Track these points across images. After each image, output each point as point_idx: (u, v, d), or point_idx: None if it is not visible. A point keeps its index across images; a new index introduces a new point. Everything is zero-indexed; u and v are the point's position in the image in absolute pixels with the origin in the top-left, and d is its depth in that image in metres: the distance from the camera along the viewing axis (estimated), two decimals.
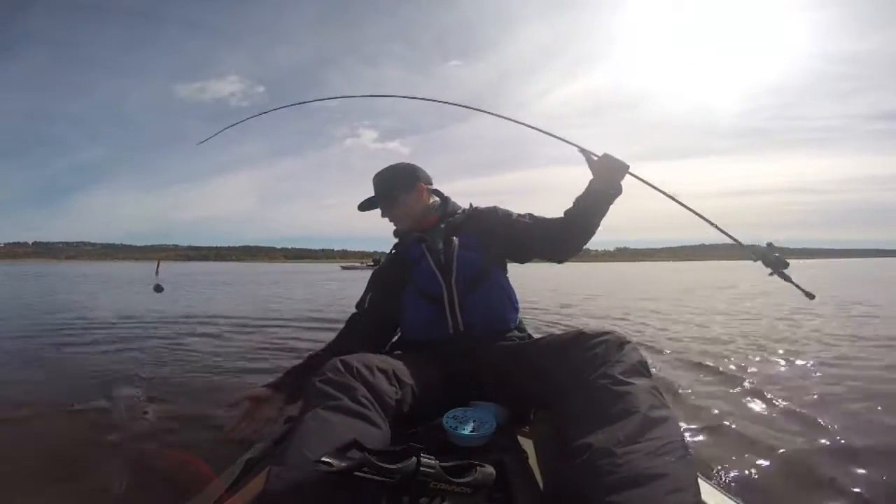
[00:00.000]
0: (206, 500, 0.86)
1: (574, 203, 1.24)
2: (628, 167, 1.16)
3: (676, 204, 1.20)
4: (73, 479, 1.56)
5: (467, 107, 1.79)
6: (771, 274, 1.05)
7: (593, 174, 1.19)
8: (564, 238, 1.28)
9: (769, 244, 1.07)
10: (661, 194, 1.21)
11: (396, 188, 1.39)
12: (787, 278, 1.04)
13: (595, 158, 1.18)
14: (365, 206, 1.46)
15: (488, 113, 1.72)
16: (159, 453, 1.73)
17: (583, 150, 1.22)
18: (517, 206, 1.42)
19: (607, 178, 1.17)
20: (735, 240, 1.16)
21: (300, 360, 1.27)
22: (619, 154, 1.16)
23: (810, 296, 1.07)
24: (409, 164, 1.46)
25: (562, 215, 1.27)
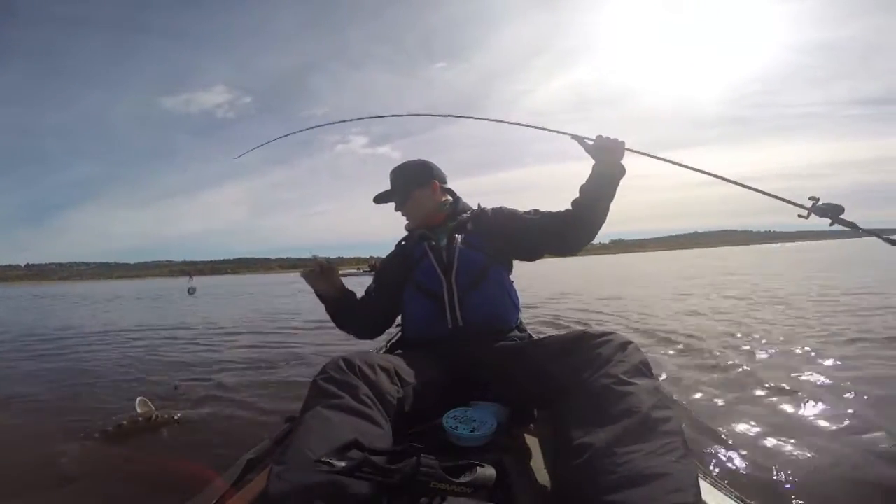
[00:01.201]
0: (207, 500, 0.85)
1: (580, 191, 1.24)
2: (624, 143, 1.17)
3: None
4: (73, 482, 1.56)
5: (471, 117, 1.80)
6: (832, 224, 0.97)
7: (593, 158, 1.21)
8: (574, 228, 1.28)
9: (812, 197, 0.99)
10: (667, 162, 1.24)
11: (411, 183, 1.42)
12: (851, 225, 0.95)
13: (590, 142, 1.20)
14: (380, 198, 1.51)
15: (487, 120, 1.75)
16: (159, 456, 1.73)
17: (575, 137, 1.24)
18: (510, 204, 1.43)
19: (607, 159, 1.18)
20: (776, 196, 1.09)
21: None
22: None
23: (893, 242, 0.96)
24: (424, 160, 1.48)
25: (568, 207, 1.28)
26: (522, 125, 1.52)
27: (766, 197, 1.09)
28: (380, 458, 0.64)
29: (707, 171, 1.24)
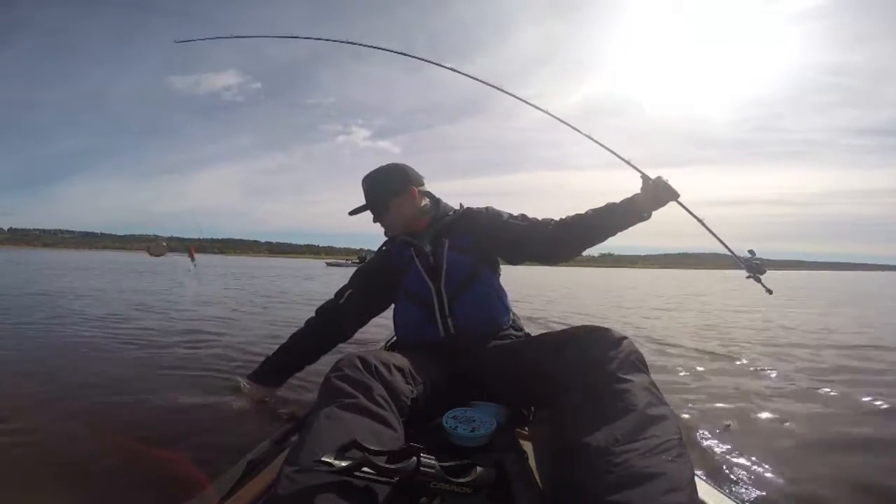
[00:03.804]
0: (207, 502, 0.84)
1: (600, 211, 1.20)
2: (678, 196, 1.13)
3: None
4: (70, 483, 1.52)
5: (523, 100, 1.57)
6: (747, 277, 1.20)
7: (642, 192, 1.16)
8: (568, 240, 1.25)
9: (750, 251, 1.21)
10: (698, 221, 1.21)
11: (387, 194, 1.37)
12: (758, 280, 1.19)
13: (650, 181, 1.14)
14: (356, 211, 1.44)
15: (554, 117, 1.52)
16: (156, 456, 1.69)
17: (644, 176, 1.17)
18: (507, 209, 1.39)
19: (654, 201, 1.14)
20: (735, 255, 1.22)
21: (274, 349, 1.45)
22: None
23: (769, 291, 1.20)
24: (399, 165, 1.42)
25: (562, 217, 1.26)
26: (598, 143, 1.36)
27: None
28: (380, 458, 0.63)
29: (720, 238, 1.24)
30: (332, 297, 1.46)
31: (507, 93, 1.56)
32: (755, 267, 1.17)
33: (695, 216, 1.20)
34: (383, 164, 1.44)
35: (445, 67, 1.72)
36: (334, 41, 1.94)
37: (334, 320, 1.42)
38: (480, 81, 1.60)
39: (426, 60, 1.79)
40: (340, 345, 1.44)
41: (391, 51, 1.82)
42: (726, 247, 1.22)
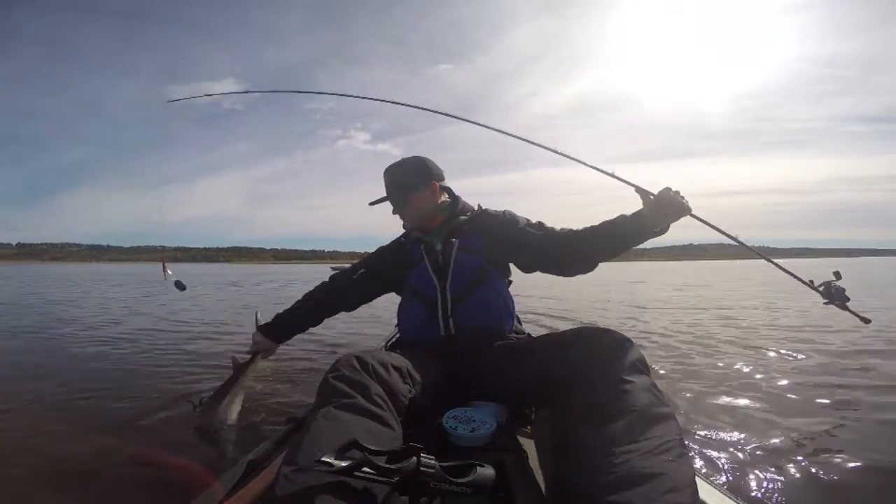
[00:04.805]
0: (208, 502, 0.84)
1: (611, 227, 1.15)
2: (690, 210, 1.06)
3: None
4: (73, 484, 1.54)
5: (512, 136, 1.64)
6: (826, 303, 1.09)
7: (646, 209, 1.09)
8: (583, 255, 1.21)
9: (836, 272, 1.11)
10: (724, 235, 1.15)
11: (409, 187, 1.35)
12: (845, 308, 1.07)
13: (651, 197, 1.08)
14: (376, 202, 1.45)
15: (533, 143, 1.59)
16: (157, 457, 1.70)
17: (639, 189, 1.11)
18: (508, 207, 1.39)
19: (663, 219, 1.08)
20: (802, 280, 1.15)
21: (289, 306, 1.54)
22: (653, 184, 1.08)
23: (866, 321, 1.09)
24: (421, 158, 1.39)
25: (578, 228, 1.21)
26: (579, 161, 1.37)
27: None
28: (380, 458, 0.63)
29: (756, 250, 1.22)
30: (348, 268, 1.52)
31: (492, 129, 1.67)
32: (835, 294, 1.02)
33: (727, 234, 1.13)
34: (406, 157, 1.42)
35: (472, 123, 1.78)
36: (348, 96, 2.06)
37: (343, 291, 1.47)
38: (484, 127, 1.70)
39: (447, 115, 1.87)
40: (339, 345, 1.46)
41: (413, 106, 1.93)
42: (794, 275, 1.13)
